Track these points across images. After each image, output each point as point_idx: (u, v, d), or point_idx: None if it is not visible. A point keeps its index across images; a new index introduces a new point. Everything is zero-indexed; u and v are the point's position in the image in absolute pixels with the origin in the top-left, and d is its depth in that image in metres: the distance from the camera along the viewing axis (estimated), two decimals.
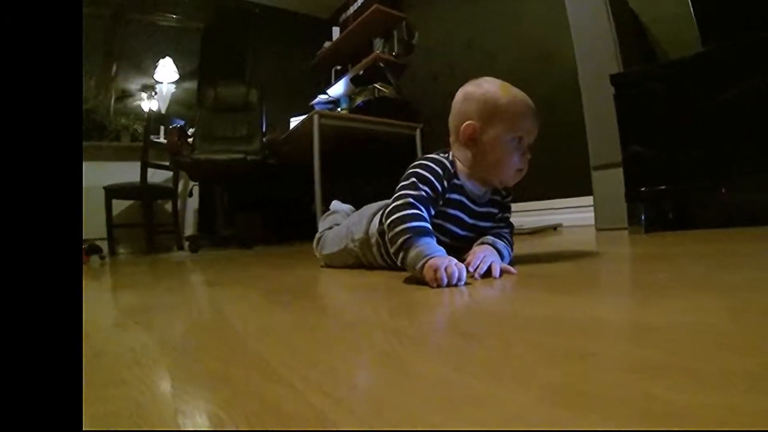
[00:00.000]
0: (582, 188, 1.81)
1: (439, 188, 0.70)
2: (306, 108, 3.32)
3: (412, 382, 0.28)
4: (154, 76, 3.00)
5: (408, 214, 0.65)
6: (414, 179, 0.70)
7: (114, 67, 2.93)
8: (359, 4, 2.99)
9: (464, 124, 0.71)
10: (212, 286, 0.90)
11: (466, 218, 0.75)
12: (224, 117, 2.64)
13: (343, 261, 0.94)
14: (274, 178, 2.81)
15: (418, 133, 2.77)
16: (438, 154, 0.75)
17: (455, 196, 0.73)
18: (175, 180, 2.66)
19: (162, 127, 2.88)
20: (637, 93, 1.17)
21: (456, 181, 0.73)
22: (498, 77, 2.13)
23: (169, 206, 2.73)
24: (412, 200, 0.67)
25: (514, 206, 2.17)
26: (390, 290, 0.64)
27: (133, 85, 3.01)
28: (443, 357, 0.33)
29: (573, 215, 1.97)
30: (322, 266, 1.05)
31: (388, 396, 0.26)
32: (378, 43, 2.95)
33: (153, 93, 3.01)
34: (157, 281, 1.11)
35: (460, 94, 0.74)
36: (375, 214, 0.85)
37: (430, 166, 0.71)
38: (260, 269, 1.22)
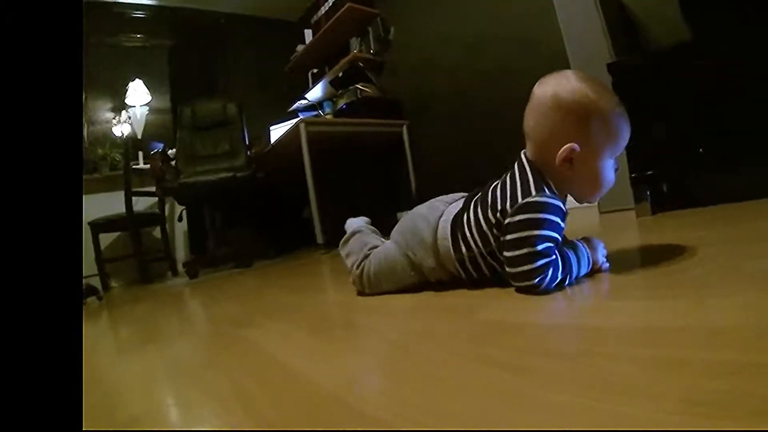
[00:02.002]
0: None
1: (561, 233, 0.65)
2: (285, 115, 3.32)
3: (544, 415, 0.31)
4: (126, 101, 2.95)
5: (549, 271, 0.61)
6: (540, 233, 0.61)
7: (83, 96, 2.88)
8: (330, 4, 2.99)
9: (564, 148, 0.62)
10: (242, 327, 0.84)
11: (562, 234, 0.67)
12: (204, 135, 2.62)
13: (400, 286, 0.84)
14: (263, 191, 2.81)
15: (404, 130, 2.81)
16: (541, 188, 0.64)
17: None
18: (161, 204, 2.63)
19: (140, 153, 2.84)
20: (635, 80, 1.22)
21: None
22: (480, 68, 2.17)
23: (157, 232, 2.70)
24: (547, 260, 0.61)
25: None
26: (448, 311, 0.67)
27: (106, 112, 2.96)
28: (554, 383, 0.36)
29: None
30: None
31: None
32: (354, 42, 2.96)
33: (127, 118, 2.96)
34: (172, 325, 1.07)
35: (548, 97, 0.63)
36: (434, 231, 0.76)
37: (554, 222, 0.62)
38: (278, 295, 1.23)
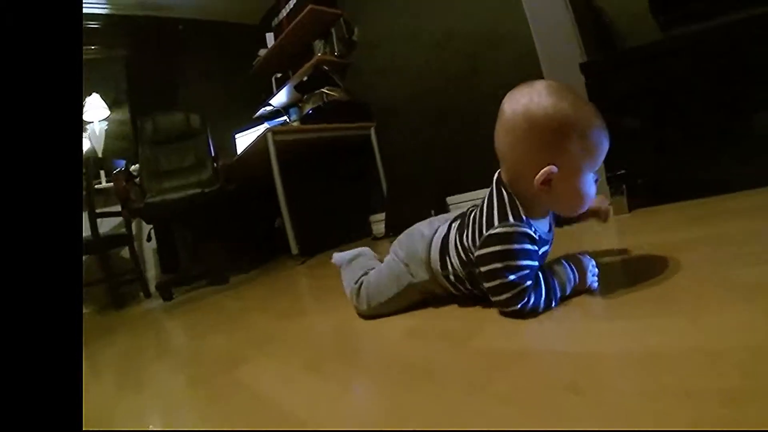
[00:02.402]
0: None
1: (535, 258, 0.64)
2: (250, 121, 3.26)
3: None
4: (84, 117, 2.82)
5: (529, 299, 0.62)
6: (510, 264, 0.61)
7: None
8: (291, 6, 2.94)
9: (542, 172, 0.59)
10: (234, 365, 0.81)
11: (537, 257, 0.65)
12: (168, 149, 2.54)
13: (406, 302, 0.82)
14: (233, 203, 2.75)
15: (372, 132, 2.82)
16: (505, 217, 0.63)
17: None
18: (128, 225, 2.54)
19: (102, 171, 2.72)
20: (609, 79, 1.26)
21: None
22: (447, 66, 2.18)
23: (125, 252, 2.61)
24: (523, 286, 0.61)
25: (483, 192, 2.27)
26: (444, 338, 0.67)
27: None
28: (570, 422, 0.37)
29: None
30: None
31: None
32: (318, 44, 2.92)
33: (86, 135, 2.83)
34: (156, 366, 1.02)
35: (520, 117, 0.60)
36: (428, 247, 0.77)
37: (522, 250, 0.62)
38: (265, 321, 1.21)
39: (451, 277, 0.74)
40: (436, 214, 2.37)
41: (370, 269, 0.89)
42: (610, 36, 1.40)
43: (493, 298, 0.64)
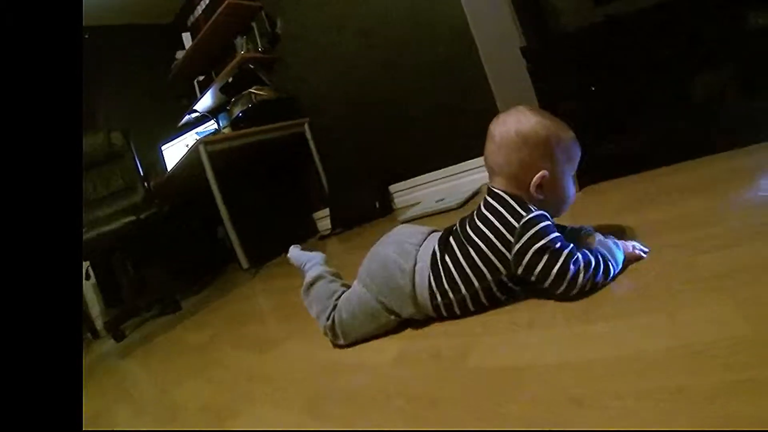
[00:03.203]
0: None
1: None
2: (176, 131, 3.12)
3: None
4: None
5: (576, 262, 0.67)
6: (551, 237, 0.68)
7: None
8: (207, 2, 2.80)
9: (537, 176, 0.72)
10: (228, 418, 0.81)
11: None
12: (92, 175, 2.37)
13: (384, 330, 0.85)
14: (172, 223, 2.64)
15: (306, 127, 2.80)
16: (527, 208, 0.71)
17: None
18: None
19: None
20: (550, 62, 1.32)
21: None
22: (378, 54, 2.18)
23: None
24: (569, 250, 0.68)
25: (427, 176, 2.34)
26: (437, 358, 0.70)
27: None
28: None
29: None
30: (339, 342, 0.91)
31: None
32: (239, 41, 2.81)
33: None
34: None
35: (512, 136, 0.73)
36: (411, 282, 0.78)
37: (550, 226, 0.70)
38: (237, 355, 1.18)
39: (454, 305, 0.76)
40: (380, 205, 2.45)
41: (337, 297, 0.89)
42: (546, 17, 1.45)
43: (548, 281, 0.68)
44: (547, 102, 1.41)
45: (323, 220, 2.96)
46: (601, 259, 0.69)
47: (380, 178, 2.58)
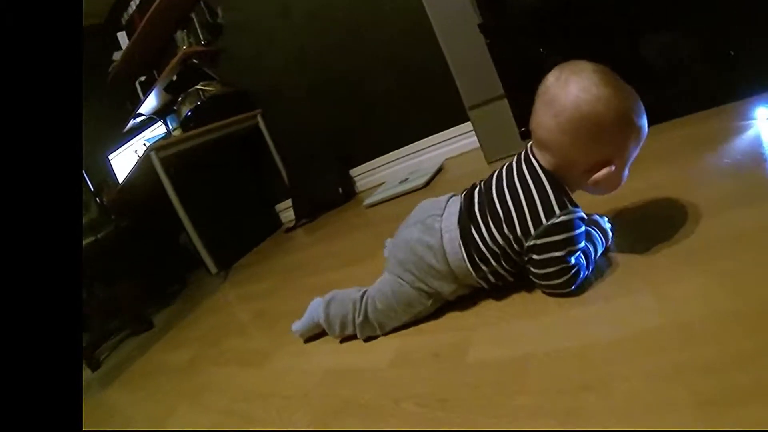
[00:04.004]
0: (452, 119, 2.10)
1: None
2: (122, 137, 3.01)
3: None
4: None
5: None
6: (572, 248, 0.66)
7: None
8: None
9: (602, 172, 0.64)
10: None
11: None
12: None
13: (412, 320, 0.84)
14: (132, 238, 2.57)
15: (259, 118, 2.78)
16: (564, 205, 0.66)
17: None
18: None
19: None
20: (509, 38, 1.35)
21: None
22: (325, 35, 2.45)
23: None
24: (578, 268, 0.67)
25: (388, 157, 2.37)
26: (435, 357, 0.73)
27: None
28: (602, 418, 0.45)
29: (451, 146, 2.23)
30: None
31: None
32: (180, 36, 2.71)
33: None
34: None
35: (584, 113, 0.60)
36: (444, 257, 0.75)
37: (581, 234, 0.67)
38: (227, 373, 1.17)
39: (489, 276, 0.74)
40: (343, 190, 2.46)
41: (362, 294, 0.87)
42: None
43: (543, 283, 0.69)
44: (510, 75, 1.45)
45: (287, 211, 2.96)
46: (589, 262, 0.70)
47: (341, 163, 2.60)
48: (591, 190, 0.69)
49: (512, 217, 0.69)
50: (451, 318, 0.81)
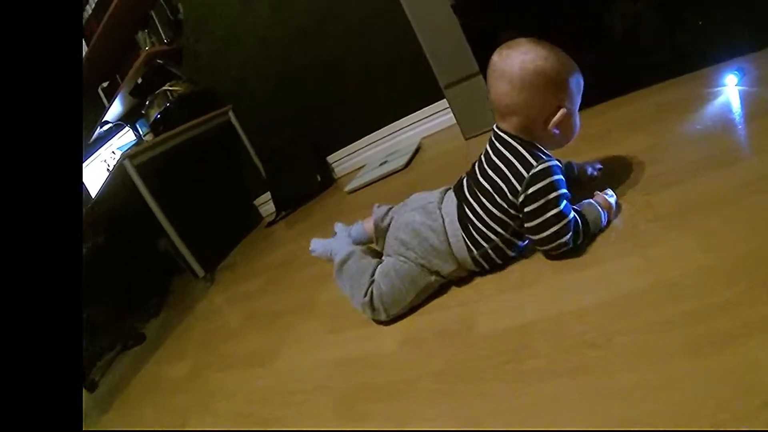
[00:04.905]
0: (427, 97, 2.16)
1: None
2: (88, 147, 2.99)
3: (624, 399, 0.47)
4: None
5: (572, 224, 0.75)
6: (558, 192, 0.75)
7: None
8: (95, 3, 2.63)
9: (558, 115, 0.76)
10: None
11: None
12: None
13: (424, 296, 0.90)
14: (110, 253, 2.58)
15: (231, 114, 2.80)
16: (538, 156, 0.76)
17: None
18: None
19: None
20: (482, 17, 1.42)
21: None
22: (290, 23, 2.50)
23: None
24: (569, 218, 0.75)
25: (364, 140, 2.42)
26: (446, 335, 0.79)
27: None
28: (606, 370, 0.53)
29: (427, 125, 2.29)
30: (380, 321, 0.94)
31: None
32: (141, 36, 2.68)
33: None
34: None
35: (530, 73, 0.74)
36: (446, 238, 0.84)
37: (561, 179, 0.76)
38: (234, 378, 1.18)
39: (490, 252, 0.82)
40: (322, 178, 2.51)
41: (372, 273, 0.91)
42: None
43: (540, 235, 0.75)
44: (481, 50, 1.51)
45: (266, 204, 3.00)
46: (589, 223, 0.77)
47: (316, 150, 2.65)
48: (556, 139, 0.80)
49: (499, 185, 0.78)
50: (452, 296, 0.88)
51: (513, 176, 0.76)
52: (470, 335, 0.76)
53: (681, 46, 1.20)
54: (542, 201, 0.74)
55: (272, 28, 2.46)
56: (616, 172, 0.95)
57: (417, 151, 2.14)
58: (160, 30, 2.72)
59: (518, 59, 0.75)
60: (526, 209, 0.76)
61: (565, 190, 0.76)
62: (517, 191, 0.76)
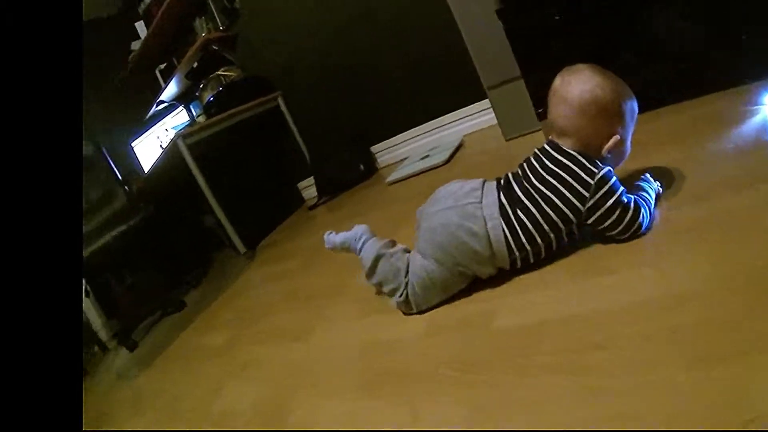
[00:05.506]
0: (471, 96, 2.18)
1: None
2: (144, 124, 3.14)
3: (621, 399, 0.51)
4: None
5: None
6: (620, 191, 0.80)
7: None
8: None
9: (611, 142, 0.81)
10: (287, 412, 0.91)
11: None
12: None
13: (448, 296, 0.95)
14: (159, 222, 2.73)
15: (280, 100, 2.89)
16: (598, 165, 0.81)
17: None
18: None
19: None
20: (526, 22, 1.44)
21: None
22: (338, 14, 2.59)
23: None
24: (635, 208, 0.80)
25: (408, 133, 2.45)
26: (465, 325, 0.85)
27: None
28: (609, 372, 0.56)
29: (469, 123, 2.32)
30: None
31: None
32: (198, 23, 2.81)
33: None
34: None
35: (588, 102, 0.80)
36: (488, 242, 0.86)
37: (618, 181, 0.82)
38: (267, 350, 1.25)
39: (530, 256, 0.86)
40: (365, 167, 2.57)
41: (405, 273, 0.95)
42: None
43: (617, 229, 0.80)
44: (528, 59, 1.53)
45: (308, 189, 3.09)
46: (650, 203, 0.83)
47: (361, 140, 2.71)
48: (608, 163, 0.83)
49: (561, 190, 0.82)
50: (476, 291, 0.93)
51: (578, 183, 0.81)
52: (487, 329, 0.81)
53: (723, 60, 1.19)
54: (611, 201, 0.79)
55: (321, 20, 2.53)
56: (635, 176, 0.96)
57: (459, 147, 2.16)
58: (217, 17, 2.83)
59: (578, 88, 0.82)
60: (597, 213, 0.80)
61: (623, 188, 0.82)
62: (584, 197, 0.80)
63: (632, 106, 0.84)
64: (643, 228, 0.80)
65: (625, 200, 0.80)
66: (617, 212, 0.79)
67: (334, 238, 1.13)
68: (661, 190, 0.89)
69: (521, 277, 0.88)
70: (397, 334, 0.96)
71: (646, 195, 0.85)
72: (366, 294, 1.18)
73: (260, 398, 1.05)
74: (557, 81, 0.86)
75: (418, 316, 0.96)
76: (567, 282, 0.81)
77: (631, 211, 0.79)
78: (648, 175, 0.91)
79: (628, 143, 0.86)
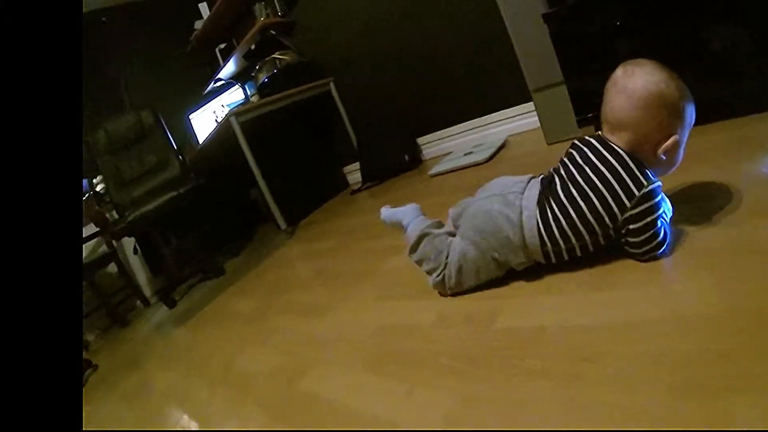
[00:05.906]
0: (517, 97, 2.17)
1: None
2: (202, 98, 3.29)
3: (600, 412, 0.54)
4: None
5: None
6: (660, 212, 0.78)
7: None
8: None
9: (669, 141, 0.76)
10: (298, 378, 0.99)
11: None
12: (126, 154, 2.59)
13: (483, 280, 0.96)
14: (208, 192, 2.87)
15: (332, 86, 2.95)
16: (648, 176, 0.77)
17: None
18: (110, 244, 2.65)
19: None
20: (571, 27, 1.43)
21: None
22: (395, 5, 2.49)
23: (109, 269, 2.74)
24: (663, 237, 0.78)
25: (455, 128, 2.46)
26: (471, 322, 0.87)
27: None
28: (593, 385, 0.58)
29: (514, 124, 2.30)
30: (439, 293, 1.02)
31: None
32: (258, 7, 2.90)
33: None
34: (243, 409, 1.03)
35: (653, 95, 0.75)
36: (521, 231, 0.86)
37: (663, 201, 0.79)
38: (290, 322, 1.34)
39: (564, 252, 0.84)
40: (409, 158, 2.60)
41: (446, 255, 0.96)
42: None
43: (640, 250, 0.78)
44: (571, 65, 1.52)
45: (353, 173, 3.17)
46: (668, 226, 0.81)
47: (408, 131, 2.74)
48: (659, 166, 0.80)
49: (602, 192, 0.78)
50: (486, 290, 0.95)
51: (622, 190, 0.77)
52: (490, 327, 0.83)
53: None
54: (648, 219, 0.76)
55: (376, 13, 2.57)
56: (671, 199, 0.94)
57: (501, 147, 2.16)
58: (276, 3, 2.92)
59: (642, 79, 0.76)
60: (630, 226, 0.78)
61: (663, 211, 0.79)
62: (625, 206, 0.77)
63: (692, 110, 0.78)
64: (659, 254, 0.79)
65: (659, 224, 0.77)
66: (648, 234, 0.77)
67: (388, 211, 1.17)
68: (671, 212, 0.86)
69: (531, 281, 0.90)
70: (408, 320, 1.01)
71: (666, 218, 0.82)
72: (389, 280, 1.24)
73: (276, 364, 1.13)
74: (618, 72, 0.80)
75: (430, 306, 1.00)
76: (573, 291, 0.82)
77: (659, 239, 0.77)
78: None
79: (682, 149, 0.80)
